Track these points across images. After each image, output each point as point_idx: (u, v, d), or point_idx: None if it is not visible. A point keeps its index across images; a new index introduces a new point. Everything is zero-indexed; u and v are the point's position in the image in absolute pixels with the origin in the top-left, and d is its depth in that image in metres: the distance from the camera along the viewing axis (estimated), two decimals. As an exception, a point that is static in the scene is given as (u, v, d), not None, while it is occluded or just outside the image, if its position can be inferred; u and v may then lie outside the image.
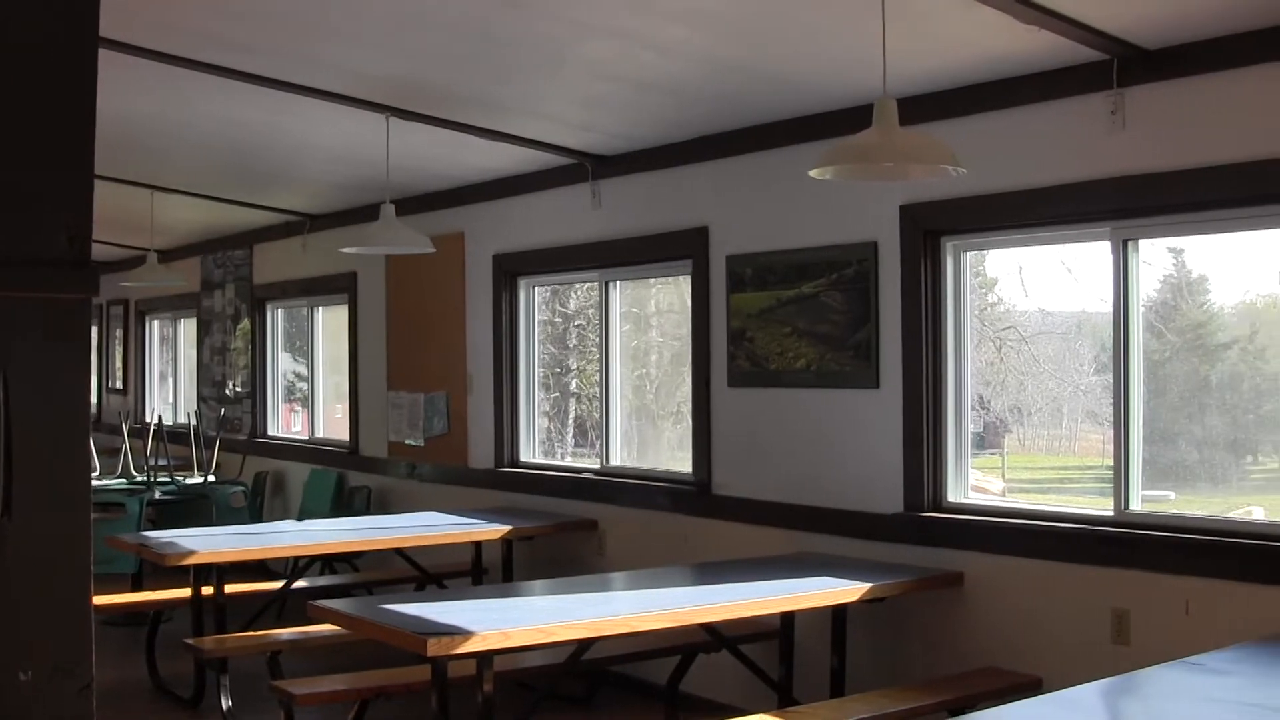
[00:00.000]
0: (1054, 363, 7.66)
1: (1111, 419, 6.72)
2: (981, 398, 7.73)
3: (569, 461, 10.49)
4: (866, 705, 6.59)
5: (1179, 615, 6.24)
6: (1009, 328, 7.72)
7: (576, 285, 10.44)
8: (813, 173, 5.37)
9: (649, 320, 10.12)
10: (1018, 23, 5.90)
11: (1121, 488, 6.66)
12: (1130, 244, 6.66)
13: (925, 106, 7.02)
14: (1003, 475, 7.89)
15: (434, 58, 7.49)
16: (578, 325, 10.68)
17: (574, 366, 10.78)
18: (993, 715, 4.45)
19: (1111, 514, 6.70)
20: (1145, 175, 6.40)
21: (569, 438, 10.82)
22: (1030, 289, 7.60)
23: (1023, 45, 6.34)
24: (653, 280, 9.79)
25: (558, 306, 10.86)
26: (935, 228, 7.38)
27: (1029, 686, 6.61)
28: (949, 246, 7.40)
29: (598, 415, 9.95)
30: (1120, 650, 6.41)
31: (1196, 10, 5.85)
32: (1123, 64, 6.42)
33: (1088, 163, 6.64)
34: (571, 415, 10.85)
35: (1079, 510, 7.01)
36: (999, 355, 7.79)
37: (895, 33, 5.38)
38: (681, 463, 9.09)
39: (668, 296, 9.76)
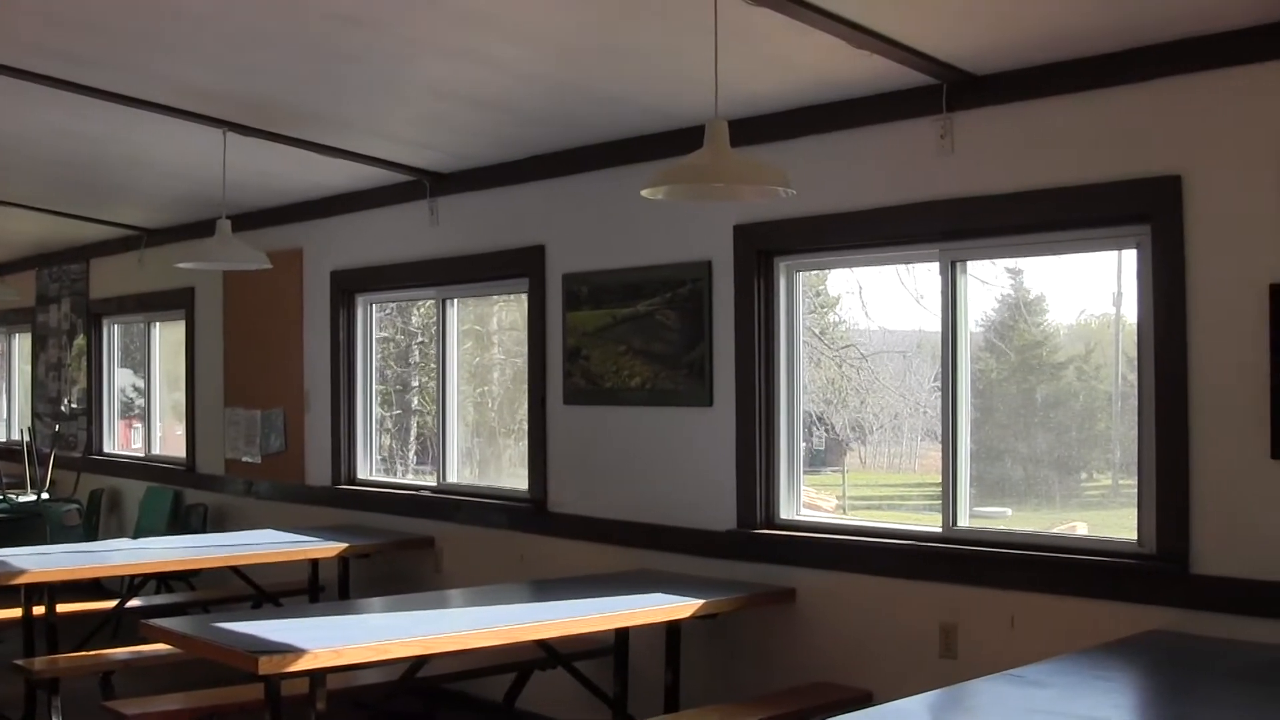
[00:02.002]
0: (895, 381, 7.77)
1: (949, 437, 6.85)
2: (822, 416, 7.82)
3: (411, 479, 10.46)
4: (698, 720, 6.66)
5: (1004, 629, 6.36)
6: (849, 346, 7.81)
7: (420, 302, 10.42)
8: (644, 192, 5.41)
9: (491, 338, 10.12)
10: (850, 47, 5.99)
11: (950, 504, 6.78)
12: (959, 265, 6.79)
13: (758, 128, 7.11)
14: (843, 493, 7.98)
15: (271, 74, 7.44)
16: (420, 343, 10.66)
17: (416, 384, 10.76)
18: (818, 729, 4.51)
19: (940, 530, 6.82)
20: (973, 198, 6.52)
21: (411, 455, 10.80)
22: (871, 308, 7.70)
23: (854, 69, 6.43)
24: (495, 298, 9.80)
25: (400, 323, 10.84)
26: (768, 247, 7.46)
27: (859, 700, 6.69)
28: (782, 266, 7.49)
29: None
30: (948, 664, 6.51)
31: (1022, 38, 5.96)
32: (952, 89, 6.54)
33: (917, 185, 6.75)
34: (414, 432, 10.82)
35: (909, 527, 7.12)
36: (840, 373, 7.88)
37: (728, 55, 5.43)
38: (522, 480, 9.08)
39: (510, 314, 9.76)
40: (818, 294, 7.87)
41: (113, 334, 14.31)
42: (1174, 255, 5.80)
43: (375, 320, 10.61)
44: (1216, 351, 5.71)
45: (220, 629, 6.12)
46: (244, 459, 11.57)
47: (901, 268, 7.35)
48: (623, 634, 7.65)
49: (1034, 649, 5.84)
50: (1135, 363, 6.14)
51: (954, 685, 5.13)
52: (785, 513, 7.50)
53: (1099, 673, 5.14)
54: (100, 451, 14.22)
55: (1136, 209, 5.97)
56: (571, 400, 8.54)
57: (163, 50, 7.12)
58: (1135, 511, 6.12)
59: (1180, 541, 5.80)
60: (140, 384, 13.99)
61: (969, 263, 6.82)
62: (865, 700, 6.70)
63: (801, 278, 7.56)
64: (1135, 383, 6.15)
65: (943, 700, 4.89)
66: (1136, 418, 6.11)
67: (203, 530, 11.76)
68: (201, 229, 11.04)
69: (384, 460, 10.70)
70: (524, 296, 9.01)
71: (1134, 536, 6.10)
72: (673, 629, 7.43)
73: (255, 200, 10.71)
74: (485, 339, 10.15)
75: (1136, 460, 6.11)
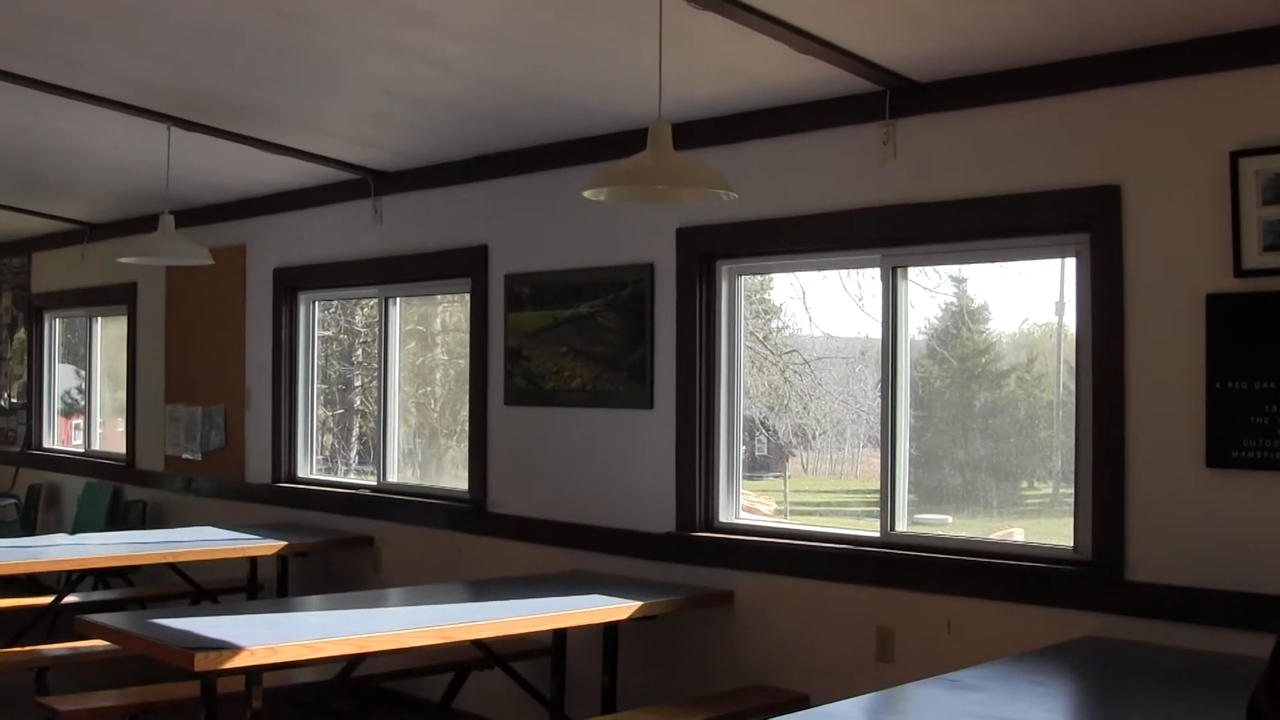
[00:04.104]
0: (838, 387, 7.78)
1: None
2: (765, 421, 7.84)
3: (353, 478, 10.42)
4: (635, 722, 6.66)
5: (940, 633, 6.39)
6: (792, 351, 7.83)
7: (364, 301, 10.40)
8: (586, 193, 5.40)
9: (435, 338, 10.11)
10: (793, 52, 6.00)
11: (887, 509, 6.81)
12: (900, 271, 6.82)
13: (702, 132, 7.13)
14: (785, 498, 7.99)
15: (216, 69, 7.41)
16: (364, 342, 10.64)
17: (359, 383, 10.74)
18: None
19: (878, 535, 6.84)
20: (914, 205, 6.55)
21: (353, 454, 10.77)
22: (815, 314, 7.72)
23: (798, 74, 6.44)
24: (439, 298, 9.79)
25: (345, 322, 10.81)
26: (710, 251, 7.47)
27: (796, 703, 6.68)
28: (724, 270, 7.50)
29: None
30: (885, 668, 6.53)
31: (966, 46, 6.00)
32: (895, 95, 6.57)
33: (860, 191, 6.78)
34: (356, 432, 10.79)
35: (847, 531, 7.14)
36: (783, 379, 7.90)
37: (672, 58, 5.44)
38: (463, 480, 9.07)
39: (454, 315, 9.75)
40: (762, 300, 7.89)
41: (54, 328, 14.22)
42: (1112, 264, 5.84)
43: (318, 318, 10.58)
44: (1154, 360, 5.75)
45: (157, 625, 6.09)
46: (184, 455, 11.51)
47: (845, 274, 7.37)
48: (560, 635, 7.65)
49: (970, 654, 5.87)
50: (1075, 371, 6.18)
51: (890, 689, 5.15)
52: (724, 516, 7.51)
53: (1033, 677, 5.18)
54: (39, 446, 14.13)
55: (1076, 217, 6.01)
56: (512, 401, 8.54)
57: (106, 43, 7.08)
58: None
59: (1115, 548, 5.83)
60: (80, 381, 13.91)
61: (910, 269, 6.85)
62: (802, 703, 6.69)
63: (743, 281, 7.57)
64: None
65: (878, 703, 4.92)
66: (1074, 425, 6.16)
67: (142, 527, 11.71)
68: (144, 224, 10.95)
69: (325, 460, 10.67)
70: (467, 297, 9.00)
71: (1070, 543, 6.14)
72: (610, 630, 7.43)
73: (199, 196, 10.66)
74: (428, 340, 10.14)
75: (1074, 467, 6.15)
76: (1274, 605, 5.33)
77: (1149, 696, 4.89)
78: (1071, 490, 6.20)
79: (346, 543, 9.58)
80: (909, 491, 6.88)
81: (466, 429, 9.05)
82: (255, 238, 10.75)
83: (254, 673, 5.82)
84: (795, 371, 7.87)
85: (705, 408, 7.50)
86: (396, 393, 9.84)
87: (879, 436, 6.94)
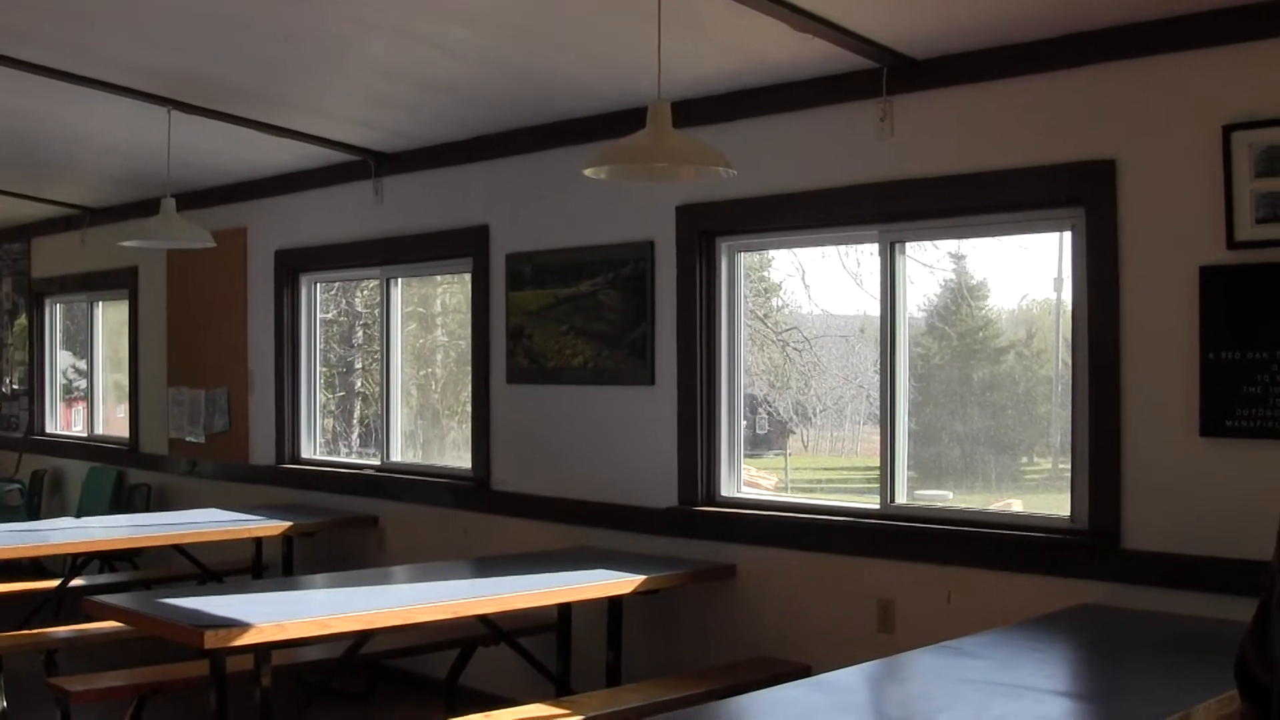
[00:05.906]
0: (838, 364, 7.82)
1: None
2: (766, 399, 7.89)
3: (355, 461, 10.47)
4: (639, 694, 6.69)
5: (941, 604, 6.45)
6: (792, 329, 7.87)
7: (363, 284, 10.45)
8: (587, 171, 5.45)
9: (435, 319, 10.15)
10: (791, 30, 6.04)
11: (887, 482, 6.87)
12: (898, 246, 6.87)
13: (701, 110, 7.16)
14: (786, 476, 8.04)
15: (216, 52, 7.42)
16: (364, 324, 10.68)
17: (359, 365, 10.78)
18: (756, 697, 4.58)
19: (878, 507, 6.90)
20: (911, 180, 6.60)
21: (354, 436, 10.82)
22: (814, 292, 7.77)
23: (796, 52, 6.49)
24: (439, 279, 9.83)
25: (344, 304, 10.85)
26: (710, 228, 7.52)
27: (798, 674, 6.71)
28: (724, 246, 7.55)
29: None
30: (886, 638, 6.58)
31: (961, 23, 6.04)
32: (892, 73, 6.61)
33: (857, 167, 6.83)
34: (357, 414, 10.83)
35: (847, 504, 7.20)
36: (783, 356, 7.94)
37: (671, 38, 5.47)
38: (465, 460, 9.13)
39: (454, 296, 9.79)
40: (761, 278, 7.93)
41: (55, 314, 14.25)
42: (1107, 238, 5.90)
43: (319, 300, 10.62)
44: (1148, 332, 5.80)
45: (166, 605, 6.15)
46: (188, 439, 11.55)
47: (843, 252, 7.42)
48: (565, 610, 7.72)
49: (970, 623, 5.92)
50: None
51: (890, 657, 5.20)
52: (726, 490, 7.57)
53: (1032, 644, 5.24)
54: (42, 432, 14.16)
55: (1071, 192, 6.06)
56: (514, 380, 8.59)
57: (106, 28, 7.10)
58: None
59: (1112, 517, 5.90)
60: (82, 366, 13.94)
61: (908, 244, 6.90)
62: (804, 674, 6.70)
63: (743, 258, 7.63)
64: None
65: (880, 671, 4.97)
66: (1070, 396, 6.21)
67: (146, 510, 11.74)
68: (145, 208, 10.96)
69: (327, 444, 10.71)
70: (467, 278, 9.04)
71: (1068, 513, 6.20)
72: (614, 605, 7.49)
73: (200, 179, 10.68)
74: (429, 321, 10.18)
75: (1070, 438, 6.21)
76: (1266, 571, 5.39)
77: (1144, 662, 4.95)
78: (1069, 465, 6.26)
79: (351, 523, 9.63)
80: (909, 467, 6.93)
81: (467, 410, 9.09)
82: (256, 220, 10.79)
83: (263, 650, 5.87)
84: (795, 349, 7.91)
85: (706, 384, 7.55)
86: (399, 372, 9.89)
87: (879, 413, 6.99)
